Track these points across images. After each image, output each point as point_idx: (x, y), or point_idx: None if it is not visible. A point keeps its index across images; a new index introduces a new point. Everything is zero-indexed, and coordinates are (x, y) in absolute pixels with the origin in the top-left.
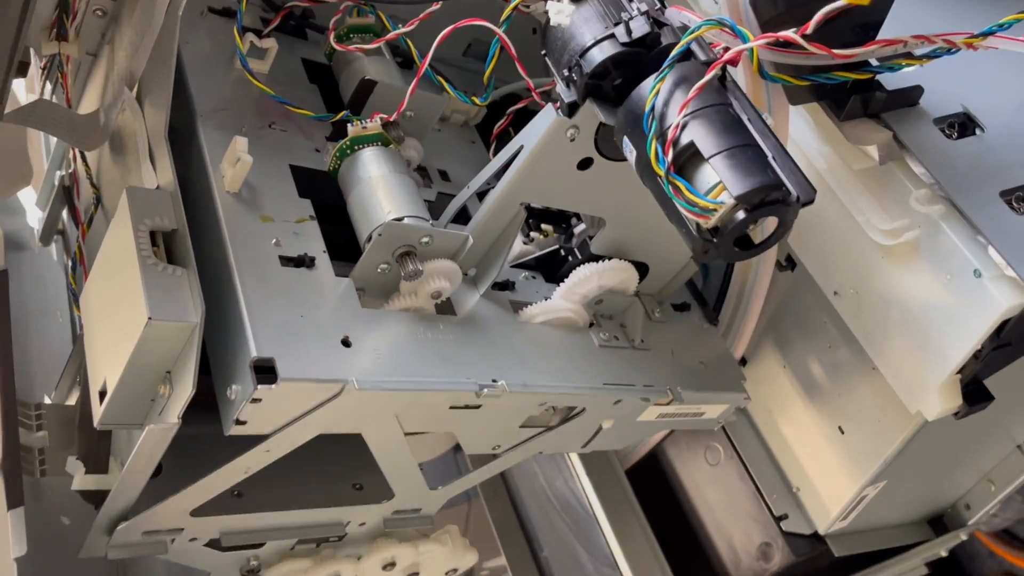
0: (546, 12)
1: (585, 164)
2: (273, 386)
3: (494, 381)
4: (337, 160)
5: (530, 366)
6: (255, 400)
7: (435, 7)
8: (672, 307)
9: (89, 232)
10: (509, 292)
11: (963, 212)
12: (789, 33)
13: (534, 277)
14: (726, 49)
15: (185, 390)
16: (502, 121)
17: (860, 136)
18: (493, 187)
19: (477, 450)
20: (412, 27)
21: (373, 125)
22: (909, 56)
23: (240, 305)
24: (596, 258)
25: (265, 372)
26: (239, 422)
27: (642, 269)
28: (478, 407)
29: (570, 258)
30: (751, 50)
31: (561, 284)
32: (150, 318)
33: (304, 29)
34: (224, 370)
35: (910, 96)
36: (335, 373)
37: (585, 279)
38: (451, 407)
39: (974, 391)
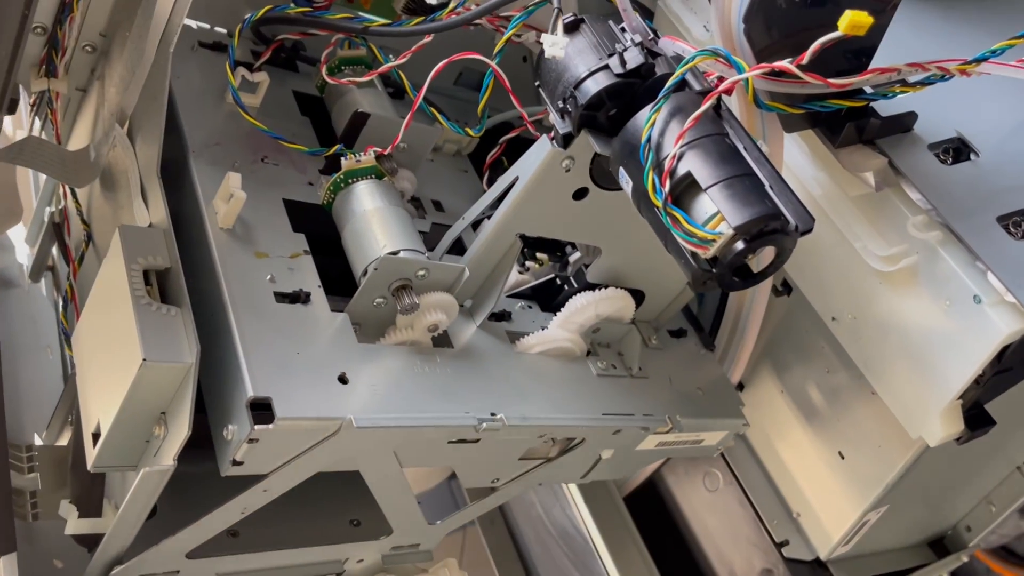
0: (540, 44)
1: (580, 194)
2: (270, 426)
3: (493, 414)
4: (331, 194)
5: (528, 398)
6: (252, 440)
7: (427, 39)
8: (668, 333)
9: (80, 270)
10: (505, 323)
11: (961, 238)
12: (784, 63)
13: (530, 307)
14: (720, 78)
15: (181, 431)
16: (495, 150)
17: (855, 163)
18: (488, 217)
19: (476, 483)
20: (404, 59)
21: (367, 158)
22: (903, 83)
23: (235, 344)
24: (592, 286)
25: (262, 412)
26: (236, 463)
27: (638, 296)
28: (477, 441)
29: (566, 287)
30: (746, 80)
31: (557, 313)
32: (145, 359)
33: (295, 61)
34: (220, 410)
35: (904, 122)
36: (333, 411)
37: (582, 308)
38: (449, 441)
39: (976, 416)
